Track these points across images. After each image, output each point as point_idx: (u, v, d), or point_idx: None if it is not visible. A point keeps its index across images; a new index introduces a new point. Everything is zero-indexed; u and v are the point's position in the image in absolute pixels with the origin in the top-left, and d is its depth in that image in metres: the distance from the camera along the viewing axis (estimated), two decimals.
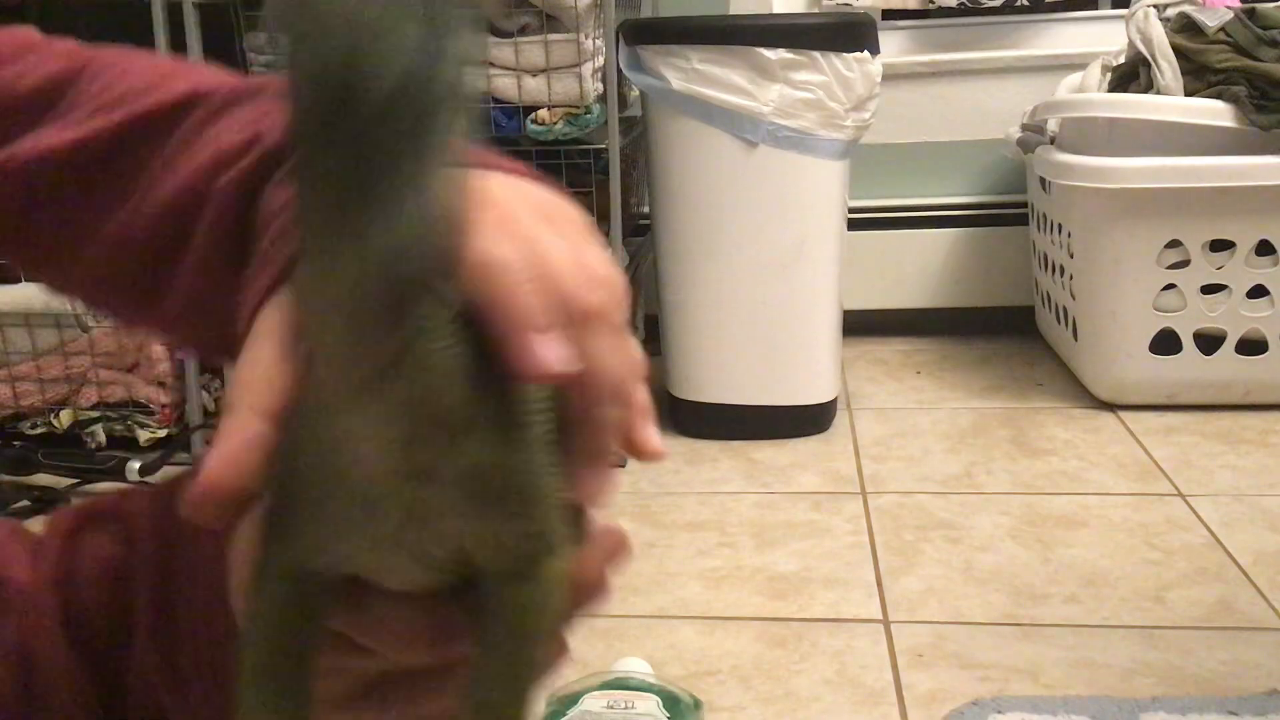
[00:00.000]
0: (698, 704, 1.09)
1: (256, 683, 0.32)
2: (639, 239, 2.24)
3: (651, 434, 0.37)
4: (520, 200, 0.35)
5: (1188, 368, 1.96)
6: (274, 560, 0.32)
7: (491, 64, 1.78)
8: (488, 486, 0.30)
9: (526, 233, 0.33)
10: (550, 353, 0.30)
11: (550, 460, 0.32)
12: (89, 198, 0.46)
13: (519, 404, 0.31)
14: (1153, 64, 1.89)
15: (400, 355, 0.27)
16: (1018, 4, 2.44)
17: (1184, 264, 1.92)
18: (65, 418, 1.89)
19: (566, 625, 0.34)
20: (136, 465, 1.77)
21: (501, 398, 0.30)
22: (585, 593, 0.35)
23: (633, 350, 0.35)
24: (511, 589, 0.32)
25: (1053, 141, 2.07)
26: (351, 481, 0.30)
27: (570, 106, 1.79)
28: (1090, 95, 2.04)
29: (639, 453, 0.36)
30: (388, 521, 0.30)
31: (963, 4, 2.44)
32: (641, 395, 0.36)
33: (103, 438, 1.87)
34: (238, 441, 0.31)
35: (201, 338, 0.46)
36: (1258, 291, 1.92)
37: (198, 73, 0.48)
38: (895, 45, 2.47)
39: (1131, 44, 1.96)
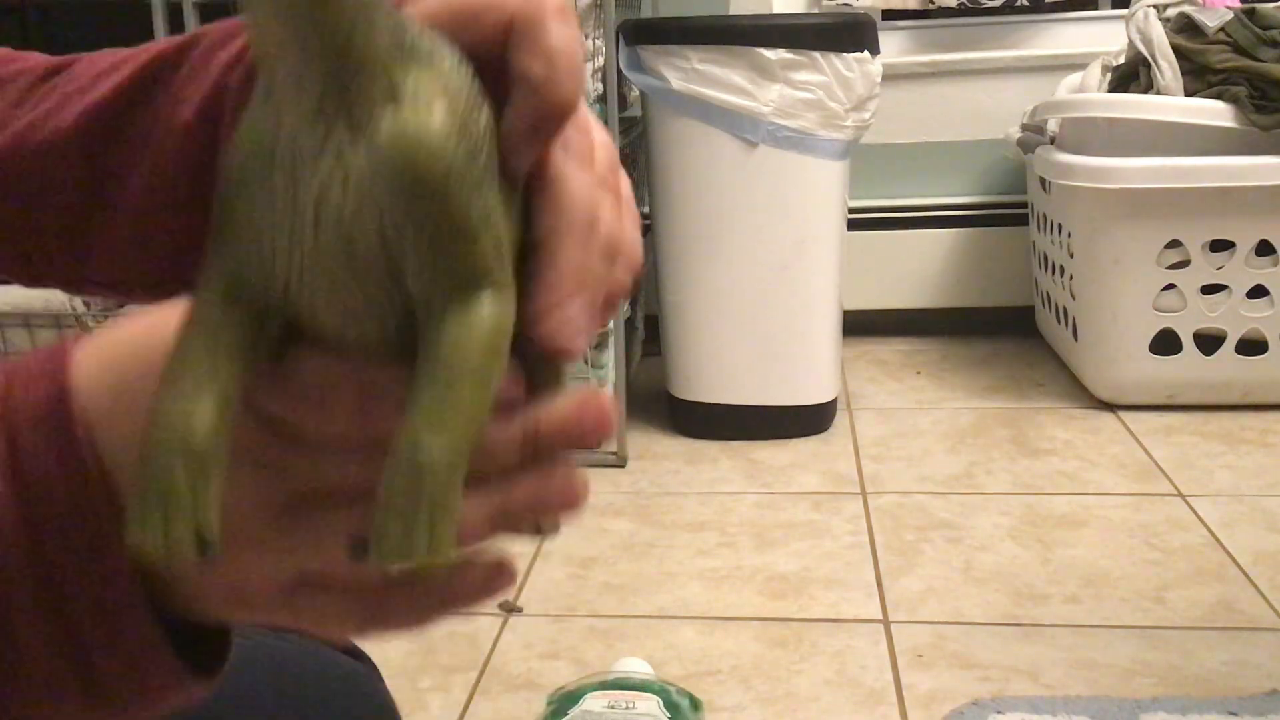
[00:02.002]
0: (698, 704, 1.09)
1: (173, 384, 0.31)
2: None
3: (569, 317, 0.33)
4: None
5: (1188, 368, 1.96)
6: (213, 264, 0.31)
7: None
8: (418, 171, 0.29)
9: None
10: (571, 327, 0.32)
11: (499, 201, 0.31)
12: (105, 163, 0.46)
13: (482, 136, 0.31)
14: (1153, 64, 1.89)
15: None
16: (1018, 4, 2.45)
17: (1184, 264, 1.92)
18: None
19: (499, 376, 0.31)
20: None
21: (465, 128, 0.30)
22: (573, 435, 0.33)
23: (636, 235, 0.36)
24: (440, 320, 0.30)
25: (1053, 141, 2.07)
26: (281, 154, 0.30)
27: None
28: (1090, 95, 2.04)
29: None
30: (310, 199, 0.29)
31: (963, 4, 2.44)
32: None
33: None
34: None
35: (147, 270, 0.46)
36: (1258, 291, 1.92)
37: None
38: (895, 45, 2.47)
39: (1131, 44, 1.96)
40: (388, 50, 0.29)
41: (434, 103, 0.29)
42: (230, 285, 0.31)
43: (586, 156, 0.34)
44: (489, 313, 0.30)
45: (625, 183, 0.36)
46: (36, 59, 0.50)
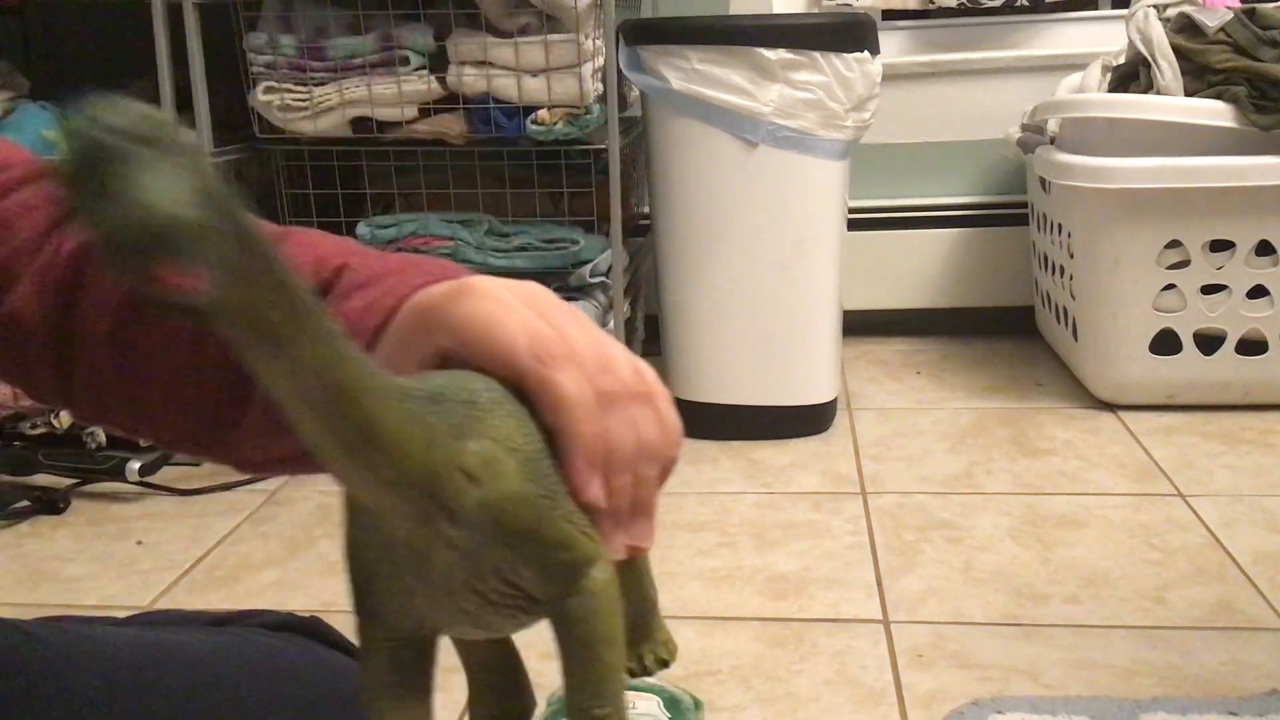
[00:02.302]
0: (698, 704, 1.09)
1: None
2: (639, 239, 2.24)
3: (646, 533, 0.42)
4: (548, 299, 0.42)
5: (1188, 368, 1.96)
6: (369, 636, 0.39)
7: (491, 64, 1.78)
8: (510, 522, 0.36)
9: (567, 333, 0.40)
10: (600, 489, 0.39)
11: (560, 487, 0.38)
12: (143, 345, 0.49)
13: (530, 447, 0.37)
14: (1153, 64, 1.89)
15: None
16: (1018, 4, 2.44)
17: (1184, 264, 1.92)
18: (65, 418, 1.89)
19: (622, 626, 0.39)
20: (136, 465, 1.77)
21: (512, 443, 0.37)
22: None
23: (670, 421, 0.42)
24: (563, 605, 0.37)
25: (1053, 142, 2.07)
26: (397, 551, 0.36)
27: (570, 107, 1.79)
28: (1090, 95, 2.04)
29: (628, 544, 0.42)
30: (436, 574, 0.36)
31: (963, 4, 2.44)
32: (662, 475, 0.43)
33: (103, 438, 1.87)
34: None
35: (284, 457, 0.49)
36: (1258, 291, 1.92)
37: None
38: (895, 45, 2.47)
39: (1131, 44, 1.96)
40: (452, 449, 0.35)
41: (501, 467, 0.36)
42: (391, 645, 0.39)
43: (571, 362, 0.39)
44: (599, 585, 0.38)
45: (634, 373, 0.42)
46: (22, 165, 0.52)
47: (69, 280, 0.49)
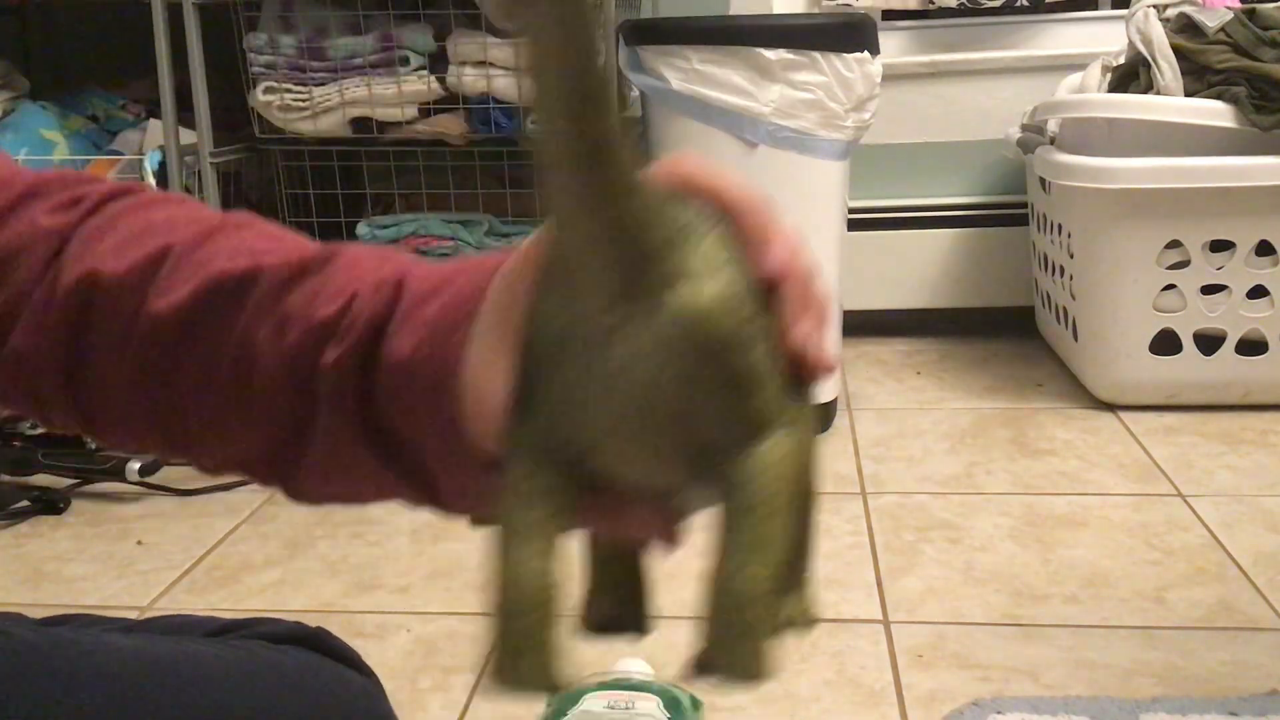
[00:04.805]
0: (698, 704, 1.09)
1: (507, 548, 0.35)
2: None
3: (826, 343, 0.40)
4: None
5: (1188, 368, 1.96)
6: (520, 435, 0.36)
7: (491, 64, 1.78)
8: (710, 330, 0.34)
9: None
10: (824, 338, 0.37)
11: (770, 352, 0.35)
12: (174, 372, 0.46)
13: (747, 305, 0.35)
14: (1153, 64, 1.89)
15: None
16: (1018, 4, 2.44)
17: (1184, 264, 1.92)
18: None
19: (805, 494, 0.37)
20: (136, 465, 1.77)
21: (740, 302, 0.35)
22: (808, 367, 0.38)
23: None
24: (746, 459, 0.34)
25: (1053, 142, 2.07)
26: (576, 339, 0.34)
27: None
28: (1090, 95, 2.04)
29: (816, 362, 0.39)
30: (611, 371, 0.34)
31: (963, 4, 2.44)
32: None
33: None
34: None
35: (344, 493, 0.47)
36: (1258, 292, 1.92)
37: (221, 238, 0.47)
38: (895, 45, 2.47)
39: (1131, 44, 1.96)
40: (669, 238, 0.33)
41: (712, 278, 0.34)
42: (539, 452, 0.36)
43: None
44: (787, 450, 0.35)
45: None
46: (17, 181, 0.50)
47: (71, 319, 0.46)
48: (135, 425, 0.47)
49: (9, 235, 0.47)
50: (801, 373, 0.37)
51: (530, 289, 0.37)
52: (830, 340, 0.38)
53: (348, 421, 0.42)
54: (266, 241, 0.46)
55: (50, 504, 1.73)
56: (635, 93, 2.10)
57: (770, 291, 0.36)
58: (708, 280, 0.34)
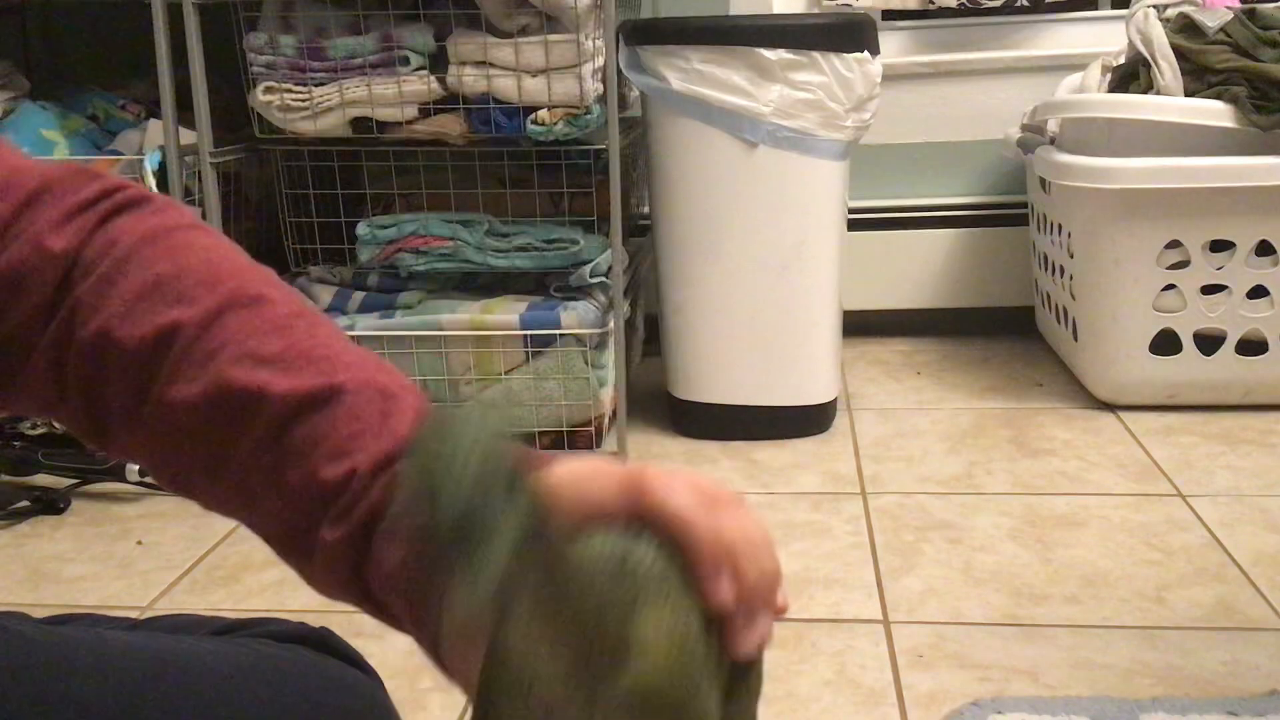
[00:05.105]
0: None
1: None
2: (639, 239, 2.24)
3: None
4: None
5: (1188, 368, 1.96)
6: None
7: (491, 64, 1.78)
8: (658, 701, 0.37)
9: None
10: (729, 588, 0.40)
11: (720, 684, 0.39)
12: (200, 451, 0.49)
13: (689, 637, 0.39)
14: (1153, 64, 1.89)
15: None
16: (1018, 4, 2.44)
17: (1184, 264, 1.92)
18: None
19: None
20: (136, 466, 1.77)
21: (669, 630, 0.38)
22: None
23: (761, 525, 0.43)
24: None
25: (1053, 142, 2.07)
26: (534, 696, 0.38)
27: (570, 107, 1.79)
28: (1090, 95, 2.04)
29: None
30: None
31: (963, 4, 2.44)
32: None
33: None
34: None
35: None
36: (1258, 292, 1.92)
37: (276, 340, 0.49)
38: (895, 45, 2.47)
39: (1131, 44, 1.96)
40: (618, 617, 0.37)
41: (661, 648, 0.37)
42: None
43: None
44: None
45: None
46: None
47: (87, 373, 0.48)
48: (157, 473, 0.51)
49: (14, 256, 0.49)
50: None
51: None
52: (770, 627, 0.42)
53: (340, 581, 0.48)
54: (273, 342, 0.48)
55: (50, 504, 1.73)
56: (635, 92, 2.10)
57: (722, 620, 0.40)
58: (657, 653, 0.37)
